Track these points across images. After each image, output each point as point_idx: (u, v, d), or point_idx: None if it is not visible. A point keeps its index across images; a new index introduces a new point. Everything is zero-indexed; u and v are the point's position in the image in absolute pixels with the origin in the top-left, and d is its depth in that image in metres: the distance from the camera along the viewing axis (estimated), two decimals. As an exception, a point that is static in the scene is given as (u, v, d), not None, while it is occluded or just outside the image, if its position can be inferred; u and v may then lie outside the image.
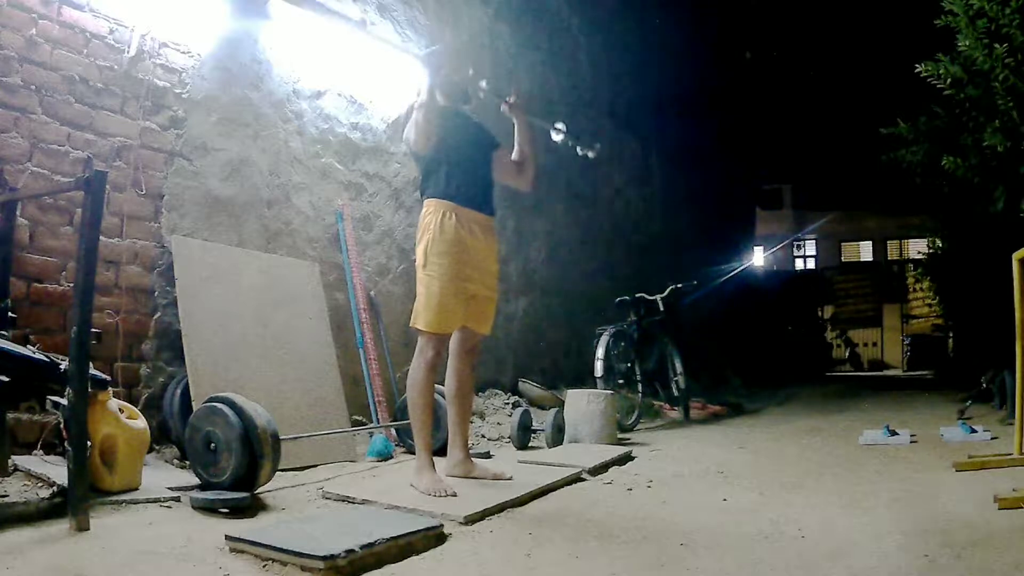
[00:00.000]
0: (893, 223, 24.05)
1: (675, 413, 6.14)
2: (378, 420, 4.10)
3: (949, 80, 5.04)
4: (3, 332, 2.61)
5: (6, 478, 2.53)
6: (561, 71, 7.35)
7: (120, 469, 2.60)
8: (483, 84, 3.29)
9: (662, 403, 6.24)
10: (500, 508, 2.61)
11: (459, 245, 3.00)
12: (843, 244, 27.22)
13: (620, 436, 4.78)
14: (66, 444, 2.24)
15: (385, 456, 3.74)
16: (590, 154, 3.71)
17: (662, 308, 6.10)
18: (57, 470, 2.52)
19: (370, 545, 1.97)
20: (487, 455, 3.95)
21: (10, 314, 2.75)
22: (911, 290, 20.45)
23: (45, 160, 3.10)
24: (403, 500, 2.63)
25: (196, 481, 2.75)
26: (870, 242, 26.78)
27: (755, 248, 16.02)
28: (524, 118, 3.30)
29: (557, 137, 3.53)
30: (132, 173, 3.42)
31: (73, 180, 2.43)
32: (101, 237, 2.51)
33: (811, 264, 27.07)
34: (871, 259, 26.37)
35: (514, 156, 3.29)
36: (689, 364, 6.20)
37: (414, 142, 3.07)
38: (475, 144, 3.18)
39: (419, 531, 2.16)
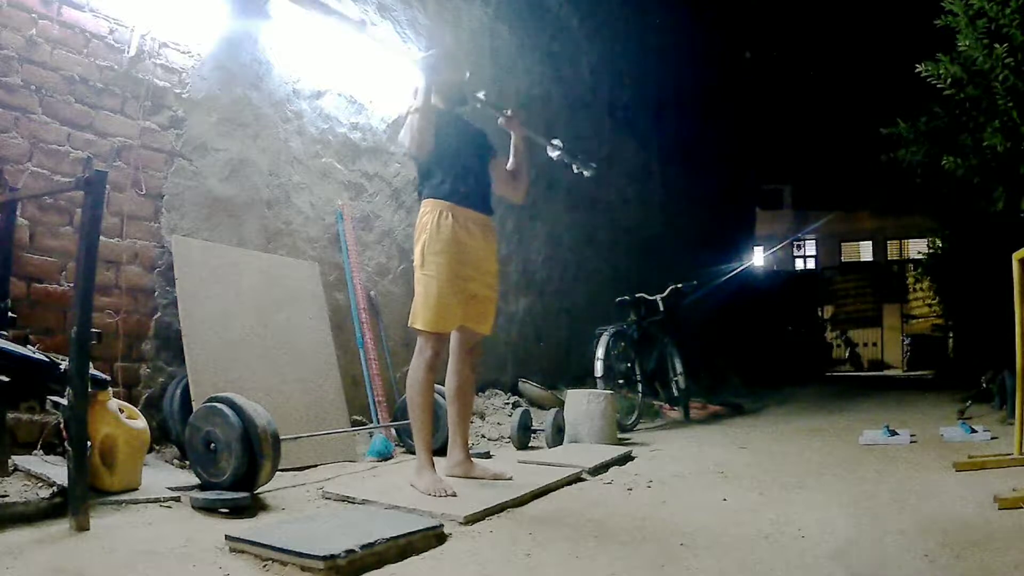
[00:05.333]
0: (893, 223, 24.10)
1: (675, 413, 6.14)
2: (378, 420, 4.10)
3: (949, 80, 5.05)
4: (3, 332, 2.61)
5: (6, 478, 2.53)
6: (561, 71, 7.35)
7: (120, 469, 2.60)
8: (480, 95, 3.29)
9: (662, 403, 6.24)
10: (500, 508, 2.61)
11: (456, 244, 3.00)
12: (843, 244, 27.24)
13: (620, 436, 4.78)
14: (66, 444, 2.24)
15: (385, 456, 3.74)
16: (586, 172, 3.69)
17: (662, 308, 6.11)
18: (57, 470, 2.52)
19: (370, 545, 1.97)
20: (487, 455, 3.96)
21: (10, 314, 2.75)
22: (911, 290, 20.48)
23: (45, 160, 3.09)
24: (403, 500, 2.63)
25: (196, 481, 2.74)
26: (870, 242, 26.80)
27: (755, 248, 16.04)
28: (521, 132, 3.32)
29: (553, 153, 3.52)
30: (132, 173, 3.42)
31: (73, 180, 2.42)
32: (101, 237, 2.51)
33: (811, 264, 27.10)
34: (871, 259, 26.39)
35: (508, 167, 3.31)
36: (689, 364, 6.21)
37: (409, 146, 3.06)
38: (471, 145, 3.18)
39: (419, 531, 2.16)
